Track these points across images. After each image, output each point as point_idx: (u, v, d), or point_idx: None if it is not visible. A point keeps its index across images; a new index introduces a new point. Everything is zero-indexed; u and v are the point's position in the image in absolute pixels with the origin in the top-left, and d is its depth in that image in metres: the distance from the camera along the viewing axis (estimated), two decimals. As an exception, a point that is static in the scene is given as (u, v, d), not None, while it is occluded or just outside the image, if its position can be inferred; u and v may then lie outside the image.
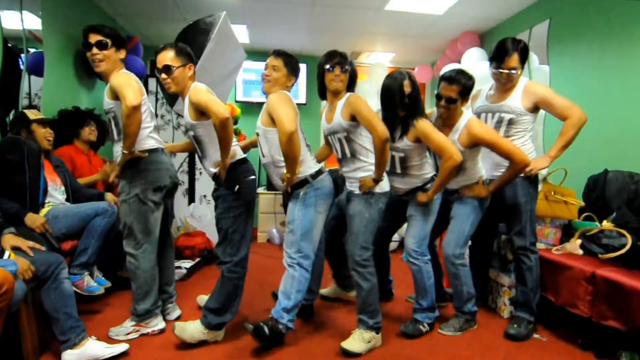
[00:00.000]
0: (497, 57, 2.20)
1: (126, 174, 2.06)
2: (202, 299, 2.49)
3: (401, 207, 2.31)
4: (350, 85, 2.07)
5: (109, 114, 2.09)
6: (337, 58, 2.01)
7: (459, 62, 4.19)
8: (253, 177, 2.09)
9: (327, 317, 2.47)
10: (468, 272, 2.24)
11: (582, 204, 2.52)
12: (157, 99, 3.78)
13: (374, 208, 2.05)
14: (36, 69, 2.86)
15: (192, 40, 2.91)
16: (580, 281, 2.04)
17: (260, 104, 5.76)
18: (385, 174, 2.07)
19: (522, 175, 2.19)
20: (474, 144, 2.14)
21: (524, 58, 2.18)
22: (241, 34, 4.51)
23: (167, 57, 2.00)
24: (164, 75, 2.02)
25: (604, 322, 1.92)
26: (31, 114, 2.38)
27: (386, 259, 2.67)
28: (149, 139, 2.07)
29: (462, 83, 2.10)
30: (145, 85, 3.85)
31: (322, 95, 2.15)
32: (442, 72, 4.12)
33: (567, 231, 2.52)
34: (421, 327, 2.24)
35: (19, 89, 2.69)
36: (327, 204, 2.09)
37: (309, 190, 2.03)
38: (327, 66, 2.02)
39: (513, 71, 2.17)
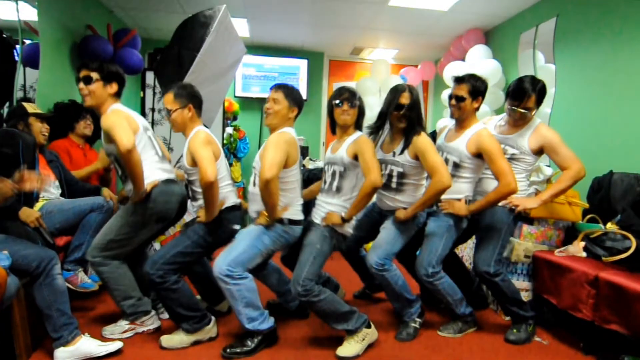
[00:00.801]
0: (515, 96, 2.21)
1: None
2: None
3: (379, 221, 2.31)
4: (358, 121, 2.13)
5: (110, 157, 2.11)
6: (346, 94, 2.09)
7: (464, 59, 4.19)
8: (237, 227, 2.13)
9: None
10: (447, 282, 2.22)
11: (586, 205, 2.52)
12: (154, 93, 3.78)
13: (327, 242, 2.06)
14: (31, 60, 2.85)
15: (191, 34, 2.91)
16: (583, 284, 2.04)
17: (260, 100, 5.79)
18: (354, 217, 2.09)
19: (507, 206, 2.20)
20: (478, 153, 2.13)
21: (540, 99, 2.21)
22: (241, 27, 4.50)
23: (168, 100, 2.10)
24: (167, 117, 2.13)
25: (606, 326, 1.92)
26: (29, 107, 2.38)
27: (360, 259, 2.61)
28: (154, 171, 2.06)
29: (472, 83, 2.15)
30: (143, 78, 3.84)
31: (333, 130, 2.20)
32: (445, 71, 4.13)
33: (571, 233, 2.52)
34: (412, 325, 2.25)
35: (14, 81, 2.68)
36: (280, 249, 2.11)
37: (279, 227, 2.03)
38: (336, 101, 2.09)
39: (528, 112, 2.21)
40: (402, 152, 2.15)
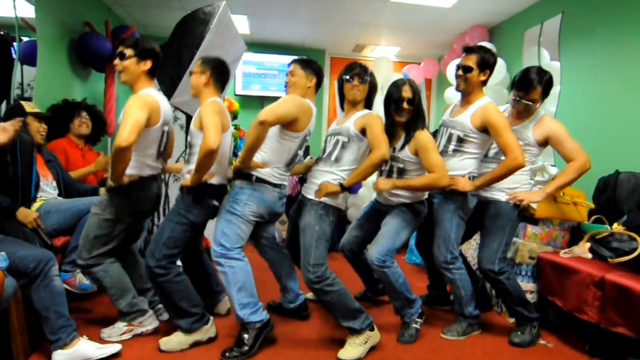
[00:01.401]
0: (520, 87, 2.18)
1: (109, 190, 2.05)
2: None
3: (380, 218, 2.29)
4: (369, 98, 2.13)
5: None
6: (357, 69, 2.10)
7: (467, 57, 4.17)
8: (216, 203, 2.10)
9: (325, 319, 2.47)
10: (464, 275, 2.23)
11: (592, 205, 2.51)
12: (153, 91, 3.77)
13: (324, 221, 2.04)
14: (29, 58, 2.85)
15: (191, 31, 2.90)
16: (588, 286, 2.03)
17: (260, 98, 5.76)
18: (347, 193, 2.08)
19: (511, 202, 2.19)
20: (484, 128, 2.11)
21: (547, 91, 2.18)
22: (241, 24, 4.49)
23: (198, 63, 2.14)
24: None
25: (612, 328, 1.92)
26: (27, 106, 2.37)
27: (362, 262, 2.57)
28: (141, 167, 2.05)
29: (481, 54, 2.13)
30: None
31: (342, 106, 2.21)
32: (449, 69, 4.11)
33: (576, 234, 2.51)
34: (414, 326, 2.23)
35: (11, 78, 2.67)
36: (257, 213, 2.04)
37: (245, 187, 2.02)
38: (347, 77, 2.10)
39: (532, 103, 2.18)
40: (402, 147, 2.14)
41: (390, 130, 2.20)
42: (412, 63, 5.36)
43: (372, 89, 2.13)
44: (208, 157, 1.91)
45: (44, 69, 3.00)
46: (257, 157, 2.03)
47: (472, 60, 2.12)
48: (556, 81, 3.28)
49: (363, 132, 2.03)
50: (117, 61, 2.04)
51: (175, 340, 2.04)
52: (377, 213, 2.34)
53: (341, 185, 2.02)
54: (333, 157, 2.09)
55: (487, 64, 2.13)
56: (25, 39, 2.83)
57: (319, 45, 5.33)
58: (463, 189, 2.14)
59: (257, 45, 5.18)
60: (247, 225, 2.05)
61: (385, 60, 4.90)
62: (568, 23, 3.25)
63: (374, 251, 2.15)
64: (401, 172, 2.19)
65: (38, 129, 2.38)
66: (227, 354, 1.98)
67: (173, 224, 2.03)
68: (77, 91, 3.56)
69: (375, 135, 1.99)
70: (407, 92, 2.10)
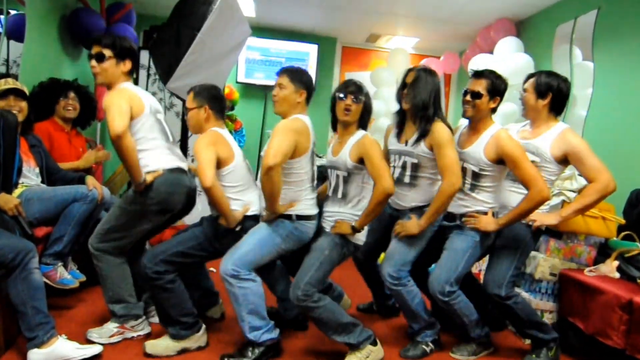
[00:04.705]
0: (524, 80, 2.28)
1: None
2: None
3: (391, 224, 2.28)
4: (363, 120, 2.12)
5: None
6: (352, 87, 2.07)
7: (491, 52, 4.16)
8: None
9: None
10: (463, 302, 2.20)
11: (622, 221, 2.49)
12: (148, 75, 3.79)
13: (336, 250, 2.06)
14: (16, 33, 2.87)
15: (192, 11, 2.92)
16: (614, 308, 2.02)
17: (264, 87, 5.78)
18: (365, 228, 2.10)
19: (524, 221, 2.15)
20: (499, 159, 2.10)
21: (558, 97, 2.18)
22: (247, 6, 4.49)
23: (188, 98, 2.19)
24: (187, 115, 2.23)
25: (639, 356, 1.90)
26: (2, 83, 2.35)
27: (376, 274, 2.55)
28: (159, 158, 2.08)
29: (491, 79, 2.12)
30: (137, 58, 3.85)
31: (334, 126, 2.20)
32: (470, 64, 4.10)
33: (603, 251, 2.50)
34: (424, 347, 2.23)
35: (-4, 54, 2.69)
36: (290, 249, 2.10)
37: (287, 224, 2.05)
38: (340, 95, 2.07)
39: (524, 93, 2.25)
40: (417, 141, 2.13)
41: (401, 121, 2.21)
42: (431, 56, 5.36)
43: (366, 111, 2.11)
44: (212, 197, 2.01)
45: (32, 46, 3.02)
46: (281, 200, 2.03)
47: (481, 86, 2.12)
48: (588, 83, 3.28)
49: (361, 161, 2.03)
50: (93, 63, 2.05)
51: (163, 345, 2.05)
52: (387, 215, 2.32)
53: (353, 228, 2.04)
54: (339, 194, 2.11)
55: (497, 91, 2.13)
56: (12, 12, 2.85)
57: (330, 32, 5.34)
58: (485, 228, 2.12)
59: (263, 30, 5.19)
60: (274, 257, 2.11)
61: (401, 52, 4.90)
62: (604, 20, 3.23)
63: (387, 266, 2.17)
64: (415, 168, 2.17)
65: (10, 106, 2.35)
66: (226, 359, 2.01)
67: (195, 243, 2.13)
68: (67, 71, 3.58)
69: (374, 166, 1.98)
70: (409, 77, 2.11)
